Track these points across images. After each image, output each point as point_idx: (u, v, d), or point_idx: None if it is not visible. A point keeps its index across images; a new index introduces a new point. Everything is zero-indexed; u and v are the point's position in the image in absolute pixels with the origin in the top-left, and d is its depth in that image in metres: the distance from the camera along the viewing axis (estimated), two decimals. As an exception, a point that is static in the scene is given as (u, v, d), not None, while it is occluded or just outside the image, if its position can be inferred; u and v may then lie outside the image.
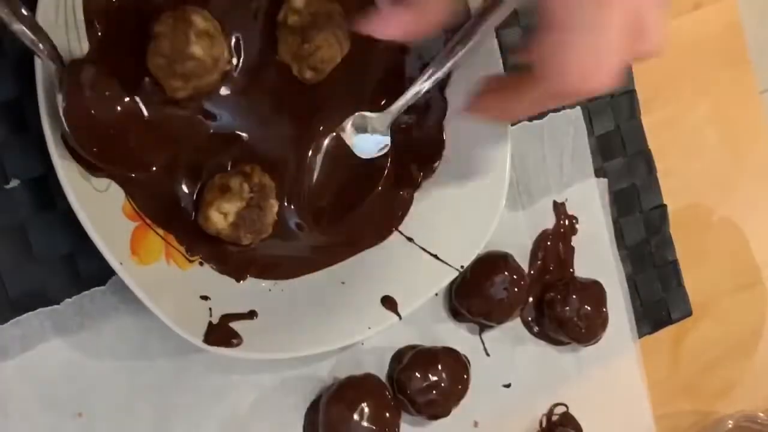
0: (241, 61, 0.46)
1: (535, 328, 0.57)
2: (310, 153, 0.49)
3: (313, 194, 0.50)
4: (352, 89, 0.49)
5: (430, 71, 0.45)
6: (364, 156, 0.48)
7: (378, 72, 0.50)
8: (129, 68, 0.42)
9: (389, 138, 0.48)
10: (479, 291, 0.51)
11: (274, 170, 0.47)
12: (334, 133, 0.49)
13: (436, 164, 0.51)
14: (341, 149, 0.49)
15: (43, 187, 0.43)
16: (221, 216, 0.44)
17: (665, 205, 0.61)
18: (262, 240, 0.47)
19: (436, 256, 0.50)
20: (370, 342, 0.52)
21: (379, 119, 0.47)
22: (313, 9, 0.45)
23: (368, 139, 0.48)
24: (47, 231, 0.44)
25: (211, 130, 0.46)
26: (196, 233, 0.46)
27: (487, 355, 0.55)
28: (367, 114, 0.48)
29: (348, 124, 0.48)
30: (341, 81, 0.48)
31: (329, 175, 0.50)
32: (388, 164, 0.51)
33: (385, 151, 0.48)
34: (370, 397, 0.47)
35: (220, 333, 0.44)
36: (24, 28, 0.36)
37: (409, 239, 0.51)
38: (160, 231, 0.44)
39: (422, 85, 0.45)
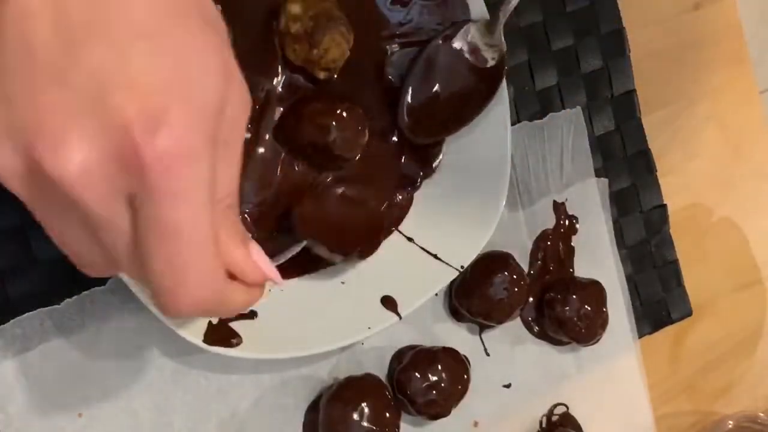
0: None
1: (535, 328, 0.57)
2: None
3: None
4: (368, 78, 0.49)
5: None
6: (479, 64, 0.49)
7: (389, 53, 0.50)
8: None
9: (503, 44, 0.48)
10: (479, 291, 0.51)
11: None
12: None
13: (436, 164, 0.51)
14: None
15: (43, 187, 0.43)
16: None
17: (665, 205, 0.61)
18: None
19: (436, 256, 0.50)
20: (370, 342, 0.52)
21: (489, 25, 0.48)
22: (312, 12, 0.45)
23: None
24: (47, 231, 0.44)
25: None
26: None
27: (487, 355, 0.55)
28: (474, 22, 0.49)
29: (459, 36, 0.49)
30: (356, 72, 0.48)
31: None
32: (505, 70, 0.50)
33: (501, 57, 0.49)
34: (370, 397, 0.47)
35: (220, 333, 0.44)
36: None
37: (409, 239, 0.51)
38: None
39: None
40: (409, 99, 0.49)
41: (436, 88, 0.49)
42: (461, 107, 0.50)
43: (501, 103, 0.50)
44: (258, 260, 0.32)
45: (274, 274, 0.33)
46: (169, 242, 0.26)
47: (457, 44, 0.49)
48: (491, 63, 0.49)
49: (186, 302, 0.28)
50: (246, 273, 0.31)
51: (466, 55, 0.49)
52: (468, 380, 0.50)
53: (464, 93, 0.50)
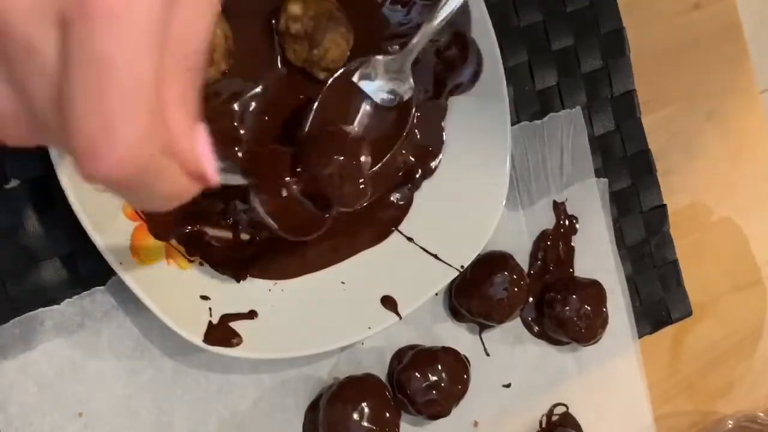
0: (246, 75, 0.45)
1: (535, 328, 0.57)
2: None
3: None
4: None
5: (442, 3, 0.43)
6: (385, 103, 0.46)
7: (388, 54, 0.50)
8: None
9: (411, 80, 0.46)
10: (479, 291, 0.51)
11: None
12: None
13: (436, 164, 0.51)
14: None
15: (43, 187, 0.43)
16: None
17: (665, 205, 0.61)
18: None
19: (436, 256, 0.50)
20: (370, 342, 0.52)
21: (396, 61, 0.45)
22: (312, 12, 0.45)
23: (382, 86, 0.46)
24: (47, 231, 0.44)
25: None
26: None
27: (487, 355, 0.55)
28: (380, 58, 0.46)
29: (357, 73, 0.46)
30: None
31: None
32: (414, 109, 0.47)
33: (410, 94, 0.46)
34: (370, 397, 0.47)
35: (220, 333, 0.44)
36: None
37: (409, 239, 0.51)
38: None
39: (439, 16, 0.43)
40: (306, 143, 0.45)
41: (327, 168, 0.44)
42: (375, 148, 0.47)
43: (501, 103, 0.50)
44: (199, 147, 0.26)
45: (210, 169, 0.27)
46: (100, 74, 0.22)
47: (357, 80, 0.46)
48: (395, 103, 0.46)
49: (110, 159, 0.23)
50: (184, 154, 0.26)
51: (368, 94, 0.46)
52: (468, 380, 0.50)
53: (369, 135, 0.47)
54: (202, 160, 0.26)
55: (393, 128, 0.47)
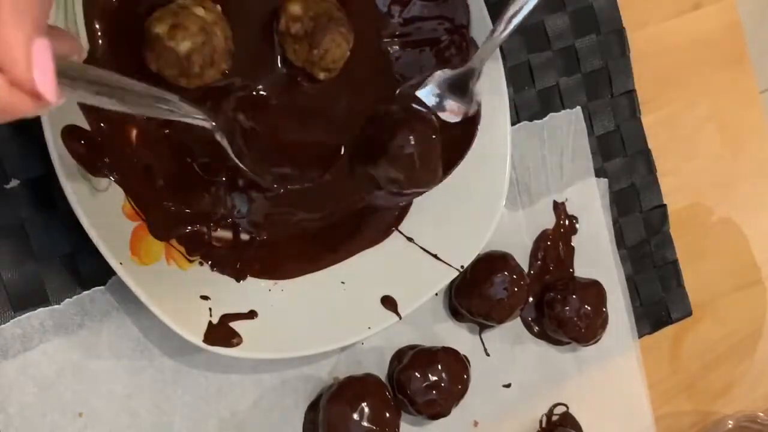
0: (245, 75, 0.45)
1: (535, 328, 0.57)
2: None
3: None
4: (369, 78, 0.49)
5: None
6: (450, 119, 0.46)
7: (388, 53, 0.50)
8: (130, 66, 0.42)
9: (477, 96, 0.46)
10: (479, 291, 0.51)
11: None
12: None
13: (436, 164, 0.51)
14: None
15: (43, 187, 0.43)
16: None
17: (665, 205, 0.61)
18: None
19: (436, 256, 0.50)
20: (370, 342, 0.52)
21: (459, 77, 0.45)
22: (312, 12, 0.45)
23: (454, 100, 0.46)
24: (47, 231, 0.44)
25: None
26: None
27: (487, 355, 0.55)
28: (441, 73, 0.46)
29: (428, 87, 0.46)
30: (356, 72, 0.48)
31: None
32: (479, 124, 0.46)
33: (475, 109, 0.46)
34: (370, 397, 0.47)
35: (220, 333, 0.44)
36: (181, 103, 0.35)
37: (409, 239, 0.51)
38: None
39: (506, 30, 0.43)
40: (379, 159, 0.47)
41: (406, 148, 0.46)
42: (435, 166, 0.48)
43: (501, 103, 0.50)
44: (38, 57, 0.24)
45: (48, 85, 0.24)
46: None
47: (424, 96, 0.46)
48: (460, 118, 0.47)
49: None
50: (14, 62, 0.23)
51: (435, 110, 0.47)
52: (468, 380, 0.50)
53: (435, 152, 0.47)
54: (38, 74, 0.24)
55: (458, 143, 0.48)
